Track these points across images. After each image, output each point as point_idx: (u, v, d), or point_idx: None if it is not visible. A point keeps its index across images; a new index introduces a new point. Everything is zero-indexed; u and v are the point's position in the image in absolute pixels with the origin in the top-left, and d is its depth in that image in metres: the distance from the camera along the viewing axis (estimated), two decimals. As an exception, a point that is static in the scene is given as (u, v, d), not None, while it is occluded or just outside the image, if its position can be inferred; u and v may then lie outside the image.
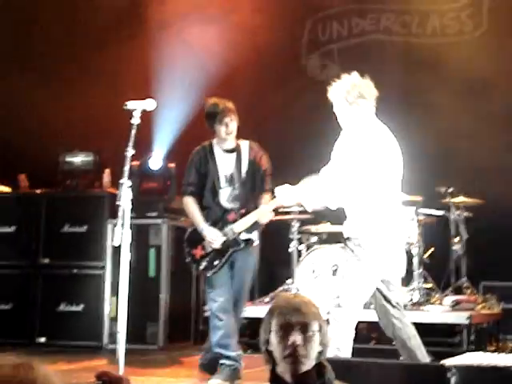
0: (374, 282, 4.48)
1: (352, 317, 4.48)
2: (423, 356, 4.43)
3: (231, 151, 5.50)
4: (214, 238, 5.37)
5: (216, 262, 5.40)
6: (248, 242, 5.45)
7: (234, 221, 5.40)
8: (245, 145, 5.56)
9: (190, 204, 5.50)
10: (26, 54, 9.62)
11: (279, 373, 2.41)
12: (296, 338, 2.36)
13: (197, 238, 5.45)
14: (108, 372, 1.86)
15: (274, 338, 2.41)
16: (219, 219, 5.43)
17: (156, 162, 7.99)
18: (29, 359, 1.58)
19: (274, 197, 5.20)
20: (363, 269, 4.42)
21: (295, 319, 2.38)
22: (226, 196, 5.46)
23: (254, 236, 5.50)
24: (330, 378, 2.41)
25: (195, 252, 5.46)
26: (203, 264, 5.43)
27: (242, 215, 5.41)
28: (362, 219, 4.50)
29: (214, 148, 5.52)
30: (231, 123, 5.41)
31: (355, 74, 4.80)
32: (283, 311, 2.41)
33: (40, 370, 1.55)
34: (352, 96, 4.68)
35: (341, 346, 4.34)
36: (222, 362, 5.35)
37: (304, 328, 2.37)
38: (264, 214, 5.39)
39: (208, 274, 5.42)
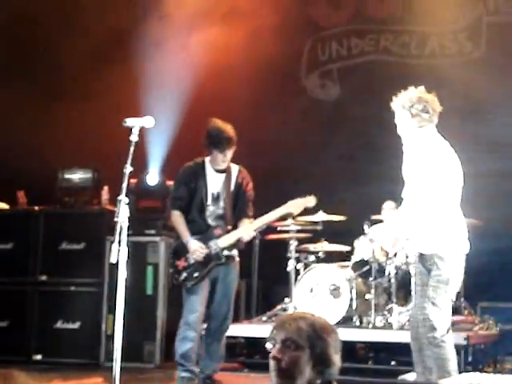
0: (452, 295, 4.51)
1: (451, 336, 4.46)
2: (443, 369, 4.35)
3: (222, 171, 5.64)
4: (197, 249, 5.46)
5: (196, 274, 5.49)
6: (229, 257, 5.56)
7: (219, 236, 5.53)
8: (235, 168, 5.72)
9: (178, 217, 5.60)
10: (23, 73, 9.64)
11: None
12: (275, 352, 2.40)
13: (182, 250, 5.55)
14: None
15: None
16: (204, 234, 5.54)
17: (153, 178, 8.03)
18: (8, 369, 1.59)
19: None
20: (446, 284, 4.43)
21: (277, 335, 2.42)
22: (211, 213, 5.59)
23: (235, 253, 5.63)
24: None
25: (178, 263, 5.54)
26: (183, 275, 5.51)
27: (227, 232, 5.54)
28: (440, 234, 4.51)
29: (206, 166, 5.65)
30: (229, 153, 5.57)
31: (422, 88, 4.79)
32: (272, 328, 2.47)
33: (19, 378, 1.55)
34: (416, 108, 4.67)
35: (451, 368, 4.29)
36: (183, 375, 5.41)
37: (285, 343, 2.39)
38: (247, 231, 5.53)
39: (188, 285, 5.49)
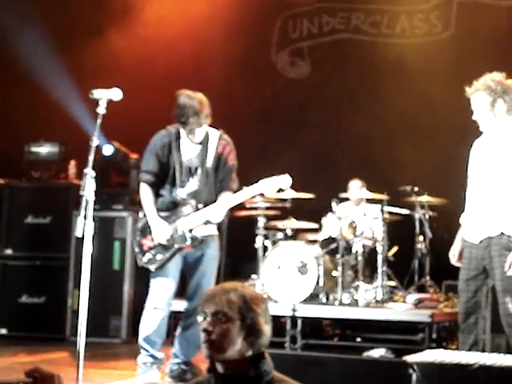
0: None
1: None
2: None
3: (199, 142, 5.17)
4: (160, 231, 5.09)
5: (160, 257, 5.12)
6: (195, 240, 5.12)
7: (187, 215, 5.10)
8: (214, 135, 5.22)
9: (146, 193, 5.17)
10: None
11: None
12: (205, 325, 2.42)
13: (149, 228, 5.16)
14: (39, 369, 1.81)
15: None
16: (173, 211, 5.14)
17: (108, 148, 7.84)
18: None
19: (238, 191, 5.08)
20: None
21: (207, 307, 2.44)
22: (185, 189, 5.15)
23: (213, 230, 5.21)
24: (266, 369, 2.41)
25: (144, 242, 5.18)
26: (147, 257, 5.15)
27: (197, 210, 5.10)
28: None
29: (181, 136, 5.17)
30: (202, 127, 5.11)
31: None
32: (202, 301, 2.49)
33: None
34: (508, 94, 4.61)
35: None
36: (145, 360, 5.08)
37: (216, 316, 2.41)
38: (216, 213, 5.04)
39: (151, 269, 5.14)
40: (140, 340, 5.13)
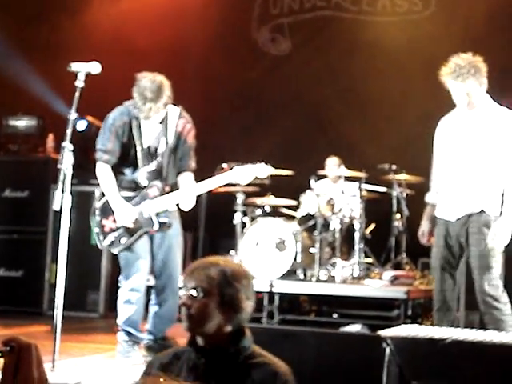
0: None
1: None
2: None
3: (159, 122, 5.00)
4: (124, 214, 4.92)
5: (124, 240, 4.97)
6: (164, 224, 4.97)
7: (153, 198, 4.95)
8: (174, 112, 5.04)
9: (105, 173, 4.96)
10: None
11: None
12: (185, 299, 2.46)
13: (111, 208, 4.97)
14: (16, 338, 1.83)
15: None
16: (137, 193, 4.99)
17: (82, 124, 7.80)
18: None
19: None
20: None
21: (188, 283, 2.47)
22: (146, 169, 5.00)
23: (172, 206, 5.01)
24: (245, 345, 2.45)
25: (105, 223, 5.00)
26: (109, 239, 4.99)
27: (164, 193, 4.97)
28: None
29: (141, 115, 4.93)
30: (159, 109, 4.88)
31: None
32: (183, 276, 2.53)
33: None
34: (466, 72, 4.61)
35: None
36: (126, 338, 5.01)
37: (194, 291, 2.44)
38: (187, 199, 4.90)
39: (114, 251, 5.05)
40: (120, 323, 5.04)
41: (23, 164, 7.94)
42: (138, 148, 4.98)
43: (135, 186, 5.02)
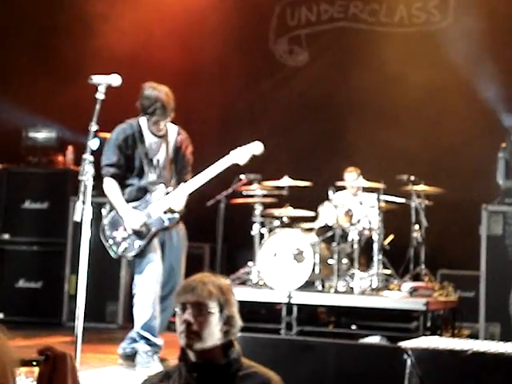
0: None
1: None
2: None
3: (160, 136, 5.25)
4: (133, 218, 5.09)
5: (137, 244, 5.13)
6: (173, 220, 5.18)
7: (158, 199, 5.16)
8: (173, 130, 5.31)
9: (112, 186, 5.17)
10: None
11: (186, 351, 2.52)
12: (187, 316, 2.46)
13: (119, 220, 5.17)
14: (52, 347, 1.83)
15: (176, 318, 2.53)
16: (141, 200, 5.18)
17: (95, 141, 7.77)
18: None
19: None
20: None
21: (188, 299, 2.47)
22: (151, 180, 5.20)
23: (177, 216, 5.23)
24: (235, 357, 2.48)
25: (116, 235, 5.17)
26: (123, 246, 5.15)
27: (167, 194, 5.18)
28: None
29: (143, 130, 5.22)
30: (165, 122, 5.17)
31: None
32: (180, 292, 2.53)
33: None
34: None
35: None
36: (145, 349, 5.06)
37: (197, 307, 2.46)
38: (177, 200, 5.13)
39: (129, 256, 5.17)
40: (137, 329, 5.10)
41: (43, 176, 8.00)
42: (143, 159, 5.19)
43: (143, 194, 5.21)
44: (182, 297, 2.49)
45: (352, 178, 7.83)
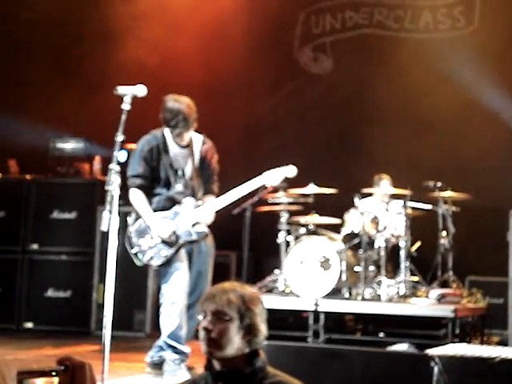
0: None
1: None
2: None
3: (185, 146, 5.29)
4: (162, 227, 5.12)
5: (164, 253, 5.15)
6: (201, 234, 5.21)
7: (187, 212, 5.17)
8: (198, 139, 5.34)
9: (138, 197, 5.20)
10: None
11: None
12: (206, 323, 2.49)
13: (146, 229, 5.20)
14: (71, 357, 1.85)
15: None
16: (170, 211, 5.20)
17: (123, 154, 7.73)
18: None
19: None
20: None
21: (208, 307, 2.50)
22: (178, 190, 5.22)
23: (205, 228, 5.27)
24: (260, 365, 2.48)
25: (142, 243, 5.19)
26: (149, 255, 5.16)
27: (196, 207, 5.20)
28: None
29: (168, 141, 5.26)
30: (189, 133, 5.23)
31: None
32: (202, 300, 2.57)
33: None
34: None
35: None
36: (173, 357, 5.08)
37: (216, 315, 2.48)
38: (206, 216, 5.16)
39: (154, 265, 5.20)
40: (164, 338, 5.12)
41: (71, 186, 8.08)
42: (168, 170, 5.22)
43: (171, 204, 5.22)
44: (204, 305, 2.52)
45: (385, 184, 7.74)
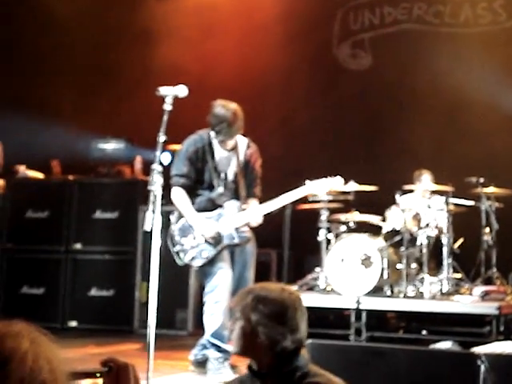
0: None
1: None
2: None
3: (229, 150, 5.33)
4: (206, 227, 5.14)
5: (205, 253, 5.18)
6: (244, 238, 5.24)
7: (231, 215, 5.20)
8: (243, 142, 5.37)
9: (181, 196, 5.24)
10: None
11: None
12: (230, 323, 2.57)
13: (189, 228, 5.23)
14: (114, 358, 1.86)
15: None
16: (214, 212, 5.24)
17: (167, 156, 7.71)
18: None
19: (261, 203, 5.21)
20: None
21: (235, 307, 2.54)
22: (219, 192, 5.26)
23: (247, 231, 5.30)
24: (299, 364, 2.44)
25: (185, 242, 5.22)
26: (190, 255, 5.20)
27: (242, 210, 5.22)
28: None
29: (213, 143, 5.29)
30: (234, 139, 5.26)
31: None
32: (233, 300, 2.63)
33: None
34: None
35: None
36: (216, 355, 5.12)
37: (238, 315, 2.51)
38: (255, 217, 5.18)
39: (195, 265, 5.24)
40: (208, 336, 5.16)
41: (113, 186, 8.16)
42: (213, 173, 5.25)
43: (213, 206, 5.25)
44: (233, 305, 2.58)
45: (426, 180, 7.67)
